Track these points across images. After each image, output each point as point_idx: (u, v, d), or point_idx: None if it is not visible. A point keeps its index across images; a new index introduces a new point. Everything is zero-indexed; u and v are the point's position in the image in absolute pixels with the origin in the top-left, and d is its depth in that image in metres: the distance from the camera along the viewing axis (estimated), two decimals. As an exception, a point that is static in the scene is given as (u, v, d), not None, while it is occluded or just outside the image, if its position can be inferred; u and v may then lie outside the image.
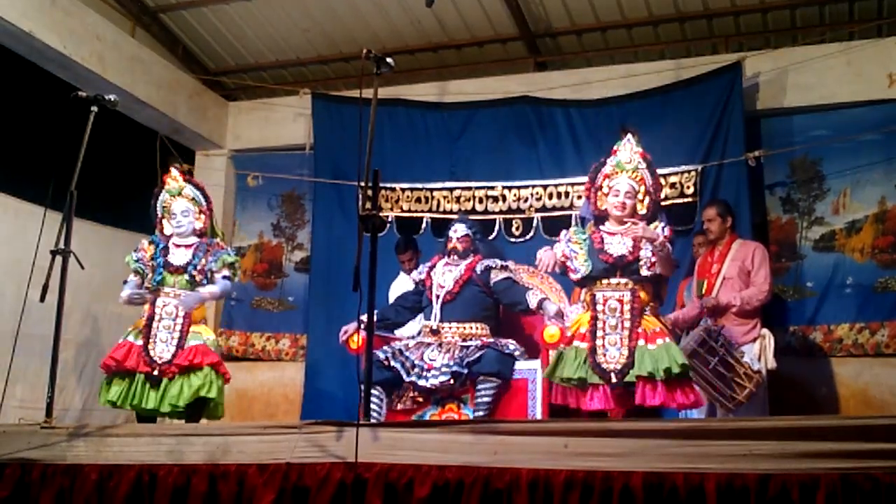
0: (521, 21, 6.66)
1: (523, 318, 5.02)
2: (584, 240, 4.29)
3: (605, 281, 4.17)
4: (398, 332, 5.18)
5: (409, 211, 6.75)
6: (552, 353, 4.62)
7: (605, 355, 4.04)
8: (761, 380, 4.90)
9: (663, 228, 4.20)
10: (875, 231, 5.89)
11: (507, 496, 2.78)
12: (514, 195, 6.53)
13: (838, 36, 6.21)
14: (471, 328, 4.77)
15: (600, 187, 4.31)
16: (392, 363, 4.58)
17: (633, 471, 2.69)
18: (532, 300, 4.64)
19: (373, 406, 4.46)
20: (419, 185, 6.73)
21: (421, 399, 4.64)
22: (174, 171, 5.02)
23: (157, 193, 4.98)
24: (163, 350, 4.60)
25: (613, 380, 3.99)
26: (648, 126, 5.75)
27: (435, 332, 4.79)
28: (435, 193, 6.72)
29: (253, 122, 7.57)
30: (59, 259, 3.73)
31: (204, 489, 3.10)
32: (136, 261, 4.83)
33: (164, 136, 7.12)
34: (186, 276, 4.76)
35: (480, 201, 6.61)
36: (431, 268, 5.02)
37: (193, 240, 4.88)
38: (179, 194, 4.91)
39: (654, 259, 4.11)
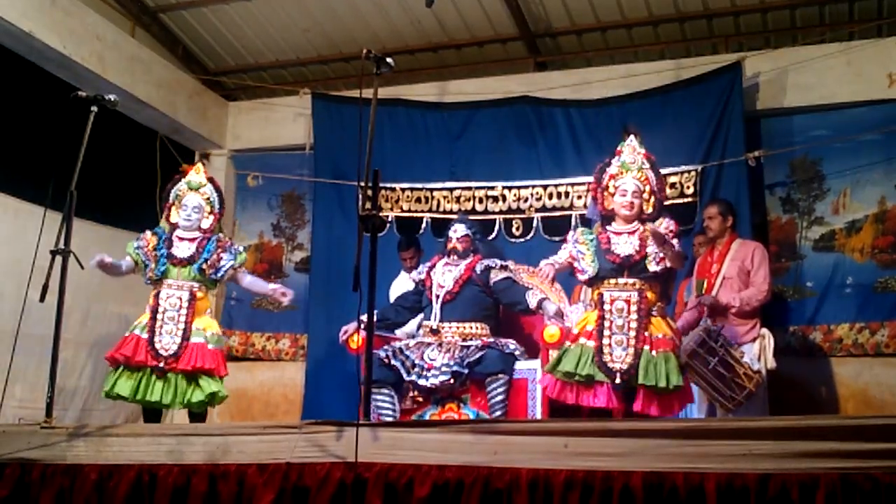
0: (521, 21, 6.66)
1: (523, 318, 5.03)
2: (591, 240, 4.33)
3: (612, 281, 4.23)
4: (398, 332, 5.18)
5: (409, 211, 6.76)
6: (552, 353, 4.64)
7: (611, 355, 4.09)
8: (761, 380, 4.89)
9: (668, 221, 4.26)
10: (875, 231, 5.89)
11: (507, 496, 2.77)
12: (514, 195, 6.54)
13: (838, 36, 6.21)
14: (471, 328, 4.77)
15: (606, 187, 4.36)
16: (392, 362, 4.58)
17: (633, 471, 2.69)
18: (532, 300, 4.64)
19: (385, 406, 4.48)
20: (419, 185, 6.73)
21: (421, 399, 4.65)
22: (200, 166, 5.14)
23: (176, 180, 5.04)
24: (168, 343, 4.65)
25: (618, 380, 4.03)
26: (648, 126, 5.74)
27: (435, 332, 4.79)
28: (435, 193, 6.72)
29: (253, 122, 7.57)
30: (59, 259, 3.73)
31: (204, 489, 3.10)
32: (136, 248, 4.87)
33: (164, 136, 7.12)
34: (194, 269, 4.81)
35: (480, 201, 6.61)
36: (431, 268, 5.02)
37: (197, 234, 4.92)
38: (197, 189, 4.97)
39: (662, 254, 4.16)
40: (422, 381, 4.50)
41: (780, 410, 5.10)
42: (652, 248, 4.19)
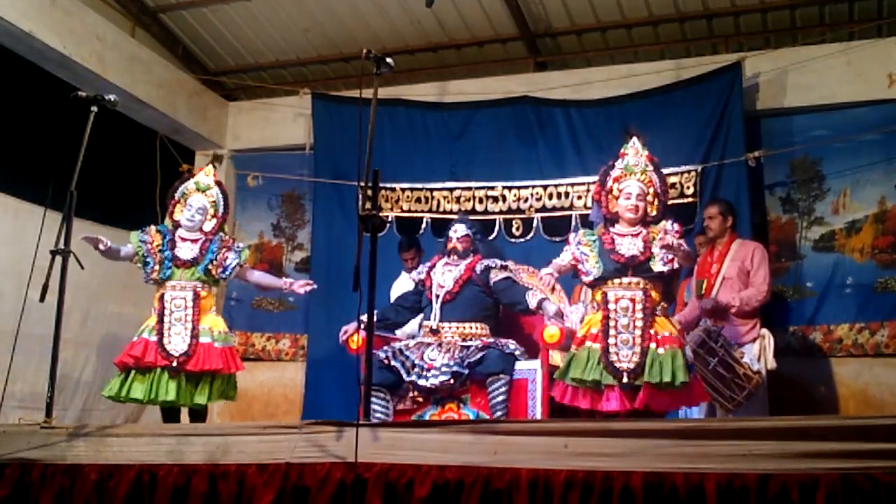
0: (521, 21, 6.66)
1: (523, 318, 5.02)
2: (594, 241, 4.34)
3: (616, 281, 4.22)
4: (398, 333, 5.18)
5: (409, 211, 6.76)
6: (553, 353, 4.64)
7: (617, 354, 4.08)
8: (761, 380, 4.90)
9: (672, 224, 4.28)
10: (875, 231, 5.89)
11: (507, 496, 2.77)
12: (514, 195, 6.54)
13: (838, 36, 6.21)
14: (470, 328, 4.77)
15: (610, 190, 4.37)
16: (392, 362, 4.58)
17: (633, 471, 2.69)
18: (532, 300, 4.63)
19: (378, 408, 4.47)
20: (419, 185, 6.73)
21: (421, 399, 4.64)
22: (210, 168, 5.18)
23: (185, 178, 5.06)
24: (178, 343, 4.68)
25: (625, 379, 4.03)
26: (648, 126, 5.72)
27: (435, 332, 4.78)
28: (435, 193, 6.72)
29: (253, 122, 7.57)
30: (58, 259, 3.73)
31: (204, 489, 3.10)
32: (141, 241, 4.86)
33: (164, 135, 7.12)
34: (199, 270, 4.83)
35: (480, 201, 6.61)
36: (431, 268, 5.02)
37: (199, 236, 4.93)
38: (205, 191, 4.99)
39: (671, 255, 4.17)
40: (422, 382, 4.49)
41: (780, 410, 5.10)
42: (658, 250, 4.19)
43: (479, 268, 4.89)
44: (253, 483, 3.05)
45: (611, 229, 4.35)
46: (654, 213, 4.33)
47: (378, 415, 4.45)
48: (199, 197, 4.96)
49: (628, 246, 4.25)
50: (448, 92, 6.97)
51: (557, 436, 2.87)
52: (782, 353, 5.45)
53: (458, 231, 5.03)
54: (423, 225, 6.67)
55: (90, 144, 3.98)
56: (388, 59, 3.66)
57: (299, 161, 7.30)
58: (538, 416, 4.38)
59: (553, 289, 4.75)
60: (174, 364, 4.63)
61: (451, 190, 6.69)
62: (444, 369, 4.48)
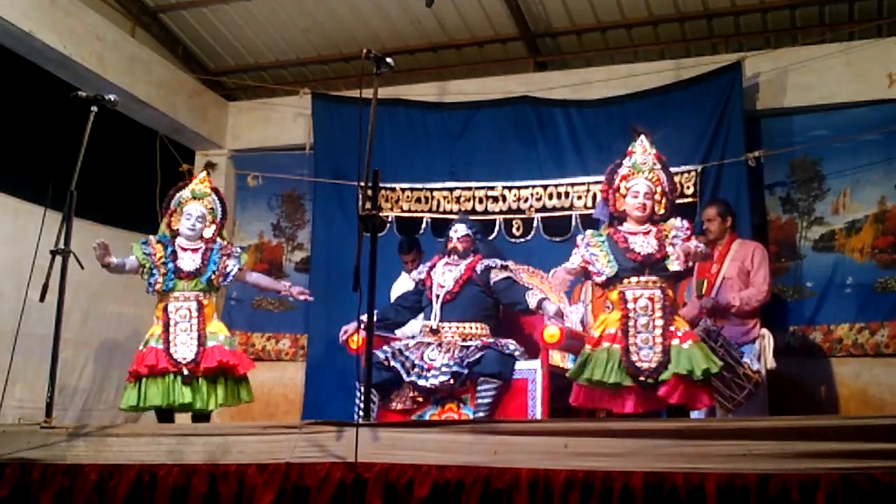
0: (521, 21, 6.66)
1: (523, 318, 5.02)
2: (602, 241, 4.27)
3: (632, 280, 4.15)
4: (398, 332, 5.18)
5: (409, 211, 6.75)
6: (553, 353, 4.64)
7: (638, 354, 4.00)
8: (761, 380, 4.90)
9: (682, 221, 4.25)
10: (875, 231, 5.89)
11: (506, 496, 2.78)
12: (514, 195, 6.53)
13: (838, 36, 6.21)
14: (471, 328, 4.77)
15: (618, 188, 4.32)
16: (392, 363, 4.58)
17: (633, 471, 2.69)
18: (532, 300, 4.63)
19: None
20: (419, 185, 6.72)
21: (421, 399, 4.64)
22: (204, 175, 5.17)
23: (179, 187, 5.05)
24: (185, 352, 4.71)
25: (648, 380, 3.96)
26: (648, 126, 5.71)
27: (435, 332, 4.78)
28: (435, 193, 6.72)
29: (253, 122, 7.57)
30: (58, 259, 3.73)
31: (204, 489, 3.10)
32: (145, 253, 4.87)
33: (164, 135, 7.12)
34: (202, 280, 4.86)
35: (480, 201, 6.61)
36: (431, 267, 5.02)
37: (199, 244, 4.94)
38: (201, 199, 4.99)
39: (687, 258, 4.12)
40: (421, 382, 4.49)
41: (780, 410, 5.10)
42: (673, 249, 4.14)
43: (479, 268, 4.89)
44: (253, 483, 3.05)
45: (619, 228, 4.30)
46: (662, 211, 4.29)
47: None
48: (196, 205, 4.95)
49: (642, 244, 4.19)
50: (448, 92, 6.97)
51: (557, 436, 2.87)
52: (782, 353, 5.45)
53: (459, 231, 5.03)
54: (423, 225, 6.67)
55: (90, 144, 3.98)
56: (388, 59, 3.66)
57: (299, 161, 7.30)
58: (538, 416, 4.38)
59: (566, 286, 4.64)
60: (185, 372, 4.66)
61: (451, 190, 6.69)
62: (443, 369, 4.48)
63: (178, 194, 5.00)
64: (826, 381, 5.84)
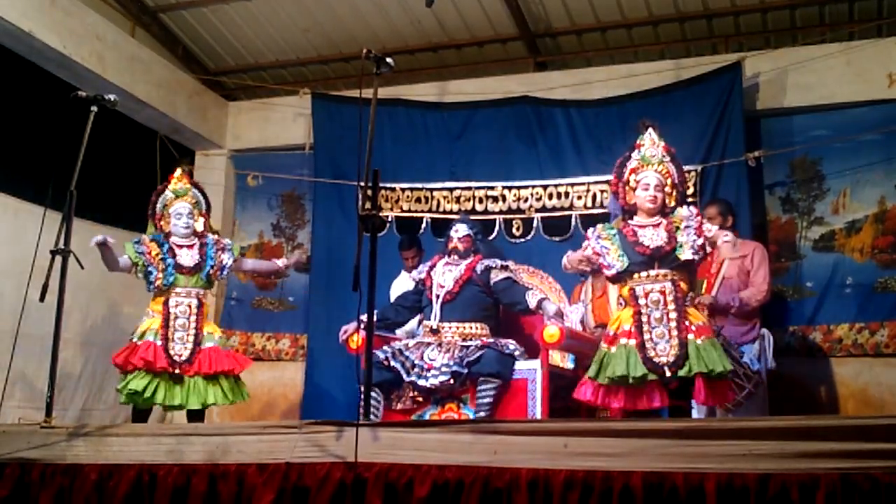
0: (521, 21, 6.66)
1: (523, 318, 5.02)
2: (614, 235, 4.22)
3: (642, 274, 4.10)
4: (398, 332, 5.18)
5: (409, 211, 6.75)
6: (553, 353, 4.63)
7: (654, 349, 3.95)
8: (761, 380, 4.90)
9: (689, 209, 4.21)
10: (875, 231, 5.90)
11: (506, 496, 2.77)
12: (514, 195, 6.53)
13: (838, 36, 6.21)
14: (471, 328, 4.77)
15: (627, 181, 4.26)
16: (392, 363, 4.58)
17: (632, 471, 2.69)
18: (531, 300, 4.63)
19: (371, 407, 4.46)
20: (419, 185, 6.73)
21: (421, 399, 4.64)
22: (179, 173, 5.18)
23: (160, 191, 5.11)
24: (181, 349, 4.78)
25: (668, 373, 3.90)
26: (649, 126, 5.76)
27: (435, 332, 4.78)
28: (435, 193, 6.72)
29: (253, 122, 7.57)
30: (58, 259, 3.73)
31: (204, 489, 3.10)
32: (138, 252, 4.91)
33: (163, 135, 7.12)
34: (202, 276, 4.95)
35: (480, 201, 6.61)
36: (431, 267, 5.02)
37: (193, 239, 5.01)
38: (184, 196, 5.05)
39: (697, 236, 4.08)
40: (421, 382, 4.49)
41: (780, 410, 5.10)
42: (685, 237, 4.09)
43: (479, 268, 4.89)
44: (253, 483, 3.05)
45: (630, 221, 4.25)
46: (673, 203, 4.23)
47: (370, 412, 4.45)
48: (181, 203, 5.03)
49: (651, 237, 4.13)
50: (448, 92, 6.97)
51: (557, 436, 2.87)
52: (782, 353, 5.46)
53: (460, 231, 5.03)
54: (423, 225, 6.67)
55: (90, 144, 3.98)
56: (388, 59, 3.66)
57: (299, 161, 7.30)
58: (538, 416, 4.38)
59: (585, 264, 4.43)
60: (177, 370, 4.73)
61: (451, 190, 6.69)
62: (443, 369, 4.48)
63: (160, 198, 5.07)
64: (826, 381, 5.84)
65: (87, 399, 6.31)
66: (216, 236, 5.17)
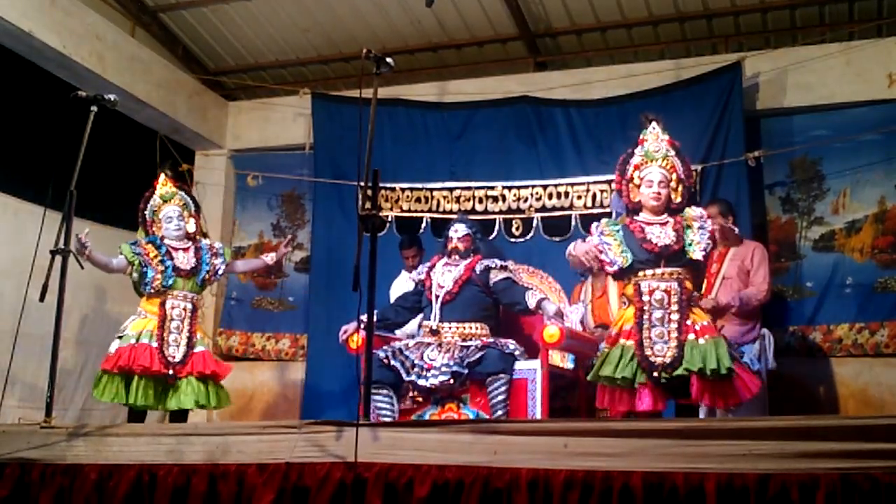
0: (520, 21, 6.66)
1: (523, 318, 5.02)
2: (617, 231, 4.11)
3: (648, 272, 4.00)
4: (398, 333, 5.18)
5: (409, 211, 6.76)
6: (552, 353, 4.63)
7: (652, 348, 3.87)
8: (761, 380, 4.89)
9: (699, 210, 4.12)
10: (875, 231, 5.90)
11: (506, 496, 2.77)
12: (514, 195, 6.53)
13: (838, 36, 6.21)
14: (470, 328, 4.77)
15: (631, 179, 4.14)
16: (392, 362, 4.58)
17: (632, 471, 2.69)
18: (531, 300, 4.63)
19: (384, 407, 4.48)
20: (419, 185, 6.73)
21: (420, 399, 4.64)
22: (163, 177, 5.21)
23: (147, 197, 5.15)
24: (174, 351, 4.85)
25: (662, 376, 3.82)
26: (648, 126, 5.76)
27: (434, 333, 4.78)
28: (435, 193, 6.72)
29: (253, 122, 7.57)
30: (58, 259, 3.74)
31: (204, 489, 3.10)
32: (135, 252, 4.93)
33: (163, 135, 7.12)
34: (197, 280, 5.02)
35: (480, 201, 6.61)
36: (431, 268, 5.02)
37: (188, 242, 5.07)
38: (171, 200, 5.10)
39: (710, 241, 3.99)
40: (421, 382, 4.49)
41: (780, 410, 5.10)
42: (696, 236, 4.01)
43: (478, 268, 4.89)
44: (253, 483, 3.05)
45: (637, 218, 4.12)
46: (679, 199, 4.10)
47: (384, 412, 4.46)
48: (170, 207, 5.07)
49: (659, 234, 4.01)
50: (448, 92, 6.97)
51: (557, 436, 2.87)
52: (782, 353, 5.46)
53: (459, 231, 5.03)
54: (423, 225, 6.67)
55: (90, 144, 3.98)
56: (388, 59, 3.66)
57: (299, 161, 7.30)
58: (538, 416, 4.38)
59: (593, 259, 4.27)
60: (171, 372, 4.81)
61: (451, 190, 6.69)
62: (443, 369, 4.48)
63: (148, 205, 5.11)
64: (826, 381, 5.84)
65: (86, 399, 6.31)
66: (209, 241, 5.27)
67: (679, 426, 2.91)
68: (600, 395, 4.02)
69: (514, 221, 6.50)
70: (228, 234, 7.49)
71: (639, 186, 4.13)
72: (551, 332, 4.44)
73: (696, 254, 3.99)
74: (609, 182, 6.00)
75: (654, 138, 4.16)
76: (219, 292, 7.17)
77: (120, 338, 4.86)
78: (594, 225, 4.26)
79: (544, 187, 6.48)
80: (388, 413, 4.48)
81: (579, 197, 6.37)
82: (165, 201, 5.08)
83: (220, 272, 5.15)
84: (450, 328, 4.77)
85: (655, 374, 3.85)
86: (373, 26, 6.86)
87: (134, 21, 6.84)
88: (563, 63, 7.17)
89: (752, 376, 4.07)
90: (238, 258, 7.21)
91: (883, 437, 2.56)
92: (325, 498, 2.92)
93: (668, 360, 3.84)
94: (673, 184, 4.11)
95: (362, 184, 3.51)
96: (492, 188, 6.59)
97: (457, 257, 4.96)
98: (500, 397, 4.42)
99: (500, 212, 6.54)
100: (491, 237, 6.21)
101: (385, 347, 4.68)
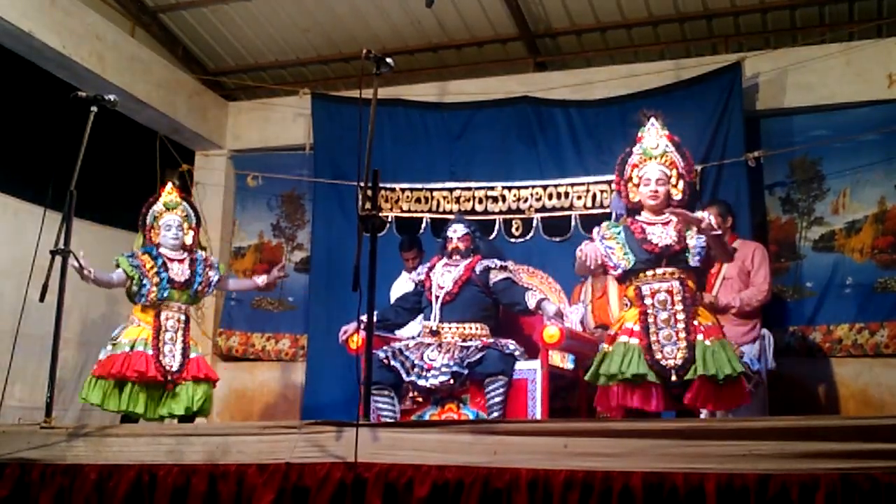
0: (520, 21, 6.66)
1: (523, 318, 5.01)
2: (619, 233, 4.00)
3: (649, 273, 3.89)
4: (398, 333, 5.18)
5: (409, 211, 6.75)
6: (553, 353, 4.63)
7: (661, 351, 3.75)
8: (761, 380, 4.90)
9: (704, 213, 3.92)
10: (875, 231, 5.90)
11: (506, 496, 2.77)
12: (514, 195, 6.53)
13: (838, 36, 6.21)
14: (470, 328, 4.77)
15: (630, 178, 4.04)
16: (392, 363, 4.58)
17: (632, 471, 2.69)
18: (531, 300, 4.62)
19: (385, 408, 4.48)
20: (419, 186, 6.72)
21: (420, 399, 4.64)
22: (170, 186, 5.27)
23: (151, 202, 5.17)
24: (171, 360, 4.89)
25: (674, 378, 3.70)
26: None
27: (434, 333, 4.78)
28: (435, 193, 6.72)
29: (253, 122, 7.57)
30: (58, 259, 3.74)
31: (204, 489, 3.10)
32: (133, 266, 4.95)
33: (163, 136, 7.12)
34: (191, 292, 5.07)
35: (480, 201, 6.60)
36: (430, 269, 5.01)
37: (183, 254, 5.11)
38: (175, 209, 5.14)
39: (706, 249, 3.87)
40: (421, 382, 4.49)
41: (780, 410, 5.11)
42: (695, 242, 3.87)
43: (478, 268, 4.88)
44: (253, 483, 3.05)
45: (637, 218, 4.01)
46: (680, 196, 3.97)
47: (385, 414, 4.46)
48: (171, 216, 5.10)
49: (660, 235, 3.90)
50: (448, 92, 6.97)
51: (557, 436, 2.87)
52: (782, 353, 5.46)
53: (458, 231, 5.02)
54: (423, 225, 6.66)
55: (90, 144, 3.98)
56: (388, 59, 3.65)
57: (299, 161, 7.30)
58: (538, 417, 4.37)
59: (598, 261, 4.11)
60: (169, 379, 4.86)
61: (450, 190, 6.69)
62: (443, 369, 4.48)
63: (150, 210, 5.12)
64: (826, 381, 5.84)
65: (86, 399, 6.32)
66: (205, 253, 5.30)
67: (679, 426, 2.91)
68: (600, 397, 3.87)
69: (514, 222, 6.50)
70: (228, 234, 7.49)
71: (637, 186, 4.02)
72: (551, 332, 4.43)
73: (693, 261, 3.90)
74: (609, 182, 5.99)
75: (653, 135, 4.07)
76: (218, 293, 7.16)
77: (113, 345, 4.87)
78: (595, 229, 4.17)
79: (544, 187, 6.48)
80: (390, 415, 4.48)
81: (579, 197, 6.37)
82: (168, 209, 5.11)
83: (213, 284, 5.19)
84: (450, 329, 4.77)
85: (669, 378, 3.72)
86: (373, 26, 6.86)
87: (134, 21, 6.84)
88: (563, 63, 7.17)
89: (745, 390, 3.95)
90: (238, 259, 7.25)
91: (883, 438, 2.56)
92: (325, 498, 2.92)
93: (679, 362, 3.72)
94: (673, 180, 4.00)
95: (362, 184, 3.51)
96: (492, 188, 6.58)
97: (457, 257, 4.95)
98: (497, 399, 4.42)
99: (500, 212, 6.54)
100: (491, 237, 6.21)
101: (385, 348, 4.68)
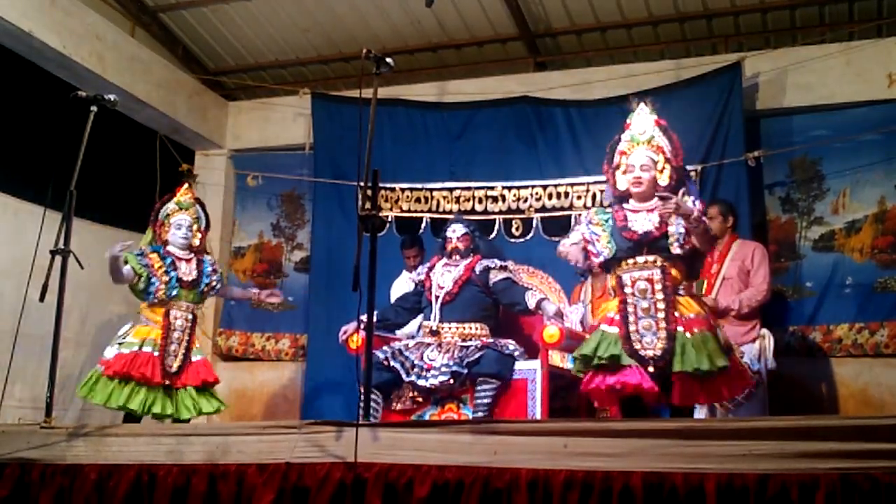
0: (520, 21, 6.66)
1: (523, 318, 5.02)
2: (606, 220, 3.94)
3: (630, 261, 3.81)
4: (398, 333, 5.18)
5: (409, 211, 6.75)
6: (552, 353, 4.63)
7: (640, 341, 3.70)
8: (761, 380, 4.90)
9: (694, 202, 3.85)
10: (874, 231, 5.90)
11: (506, 496, 2.77)
12: (514, 195, 6.53)
13: (838, 36, 6.21)
14: (470, 328, 4.77)
15: (618, 166, 3.97)
16: (392, 363, 4.58)
17: (632, 471, 2.69)
18: (531, 300, 4.63)
19: (371, 407, 4.47)
20: (419, 185, 6.73)
21: (420, 399, 4.64)
22: (186, 187, 5.33)
23: (165, 200, 5.21)
24: (172, 362, 4.93)
25: (651, 368, 3.64)
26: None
27: (434, 333, 4.78)
28: (434, 193, 6.72)
29: (253, 122, 7.57)
30: (58, 259, 3.74)
31: (203, 489, 3.10)
32: (142, 264, 4.96)
33: (163, 135, 7.12)
34: (198, 292, 5.12)
35: (480, 201, 6.61)
36: (430, 269, 5.02)
37: (191, 254, 5.14)
38: (187, 209, 5.18)
39: (687, 236, 3.76)
40: (421, 382, 4.50)
41: (780, 410, 5.10)
42: (675, 229, 3.77)
43: (478, 268, 4.89)
44: (253, 483, 3.05)
45: (624, 206, 3.94)
46: (667, 181, 3.85)
47: (371, 412, 4.46)
48: (183, 216, 5.14)
49: (642, 222, 3.82)
50: (448, 92, 6.97)
51: (557, 436, 2.87)
52: (782, 353, 5.45)
53: (457, 231, 5.03)
54: (423, 225, 6.67)
55: (90, 144, 3.98)
56: (388, 59, 3.66)
57: (299, 161, 7.30)
58: (538, 417, 4.37)
59: (581, 261, 4.24)
60: (167, 382, 4.88)
61: (450, 190, 6.69)
62: (443, 369, 4.49)
63: (164, 207, 5.17)
64: (826, 381, 5.84)
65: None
66: (212, 258, 5.36)
67: (679, 426, 2.91)
68: (586, 383, 3.80)
69: (513, 221, 6.50)
70: (228, 234, 7.49)
71: (625, 173, 3.95)
72: (551, 332, 4.44)
73: (675, 248, 3.80)
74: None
75: (641, 120, 4.00)
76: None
77: (120, 344, 4.88)
78: (583, 214, 4.13)
79: (544, 187, 6.48)
80: (374, 414, 4.48)
81: (579, 197, 6.37)
82: (181, 209, 5.15)
83: (217, 288, 5.26)
84: (450, 328, 4.77)
85: (650, 369, 3.67)
86: (373, 26, 6.86)
87: (134, 21, 6.84)
88: (563, 63, 7.17)
89: (745, 369, 3.94)
90: (238, 259, 7.25)
91: (883, 437, 2.56)
92: (325, 498, 2.92)
93: (658, 353, 3.66)
94: (660, 165, 3.89)
95: (362, 184, 3.51)
96: (491, 188, 6.59)
97: (457, 257, 4.95)
98: (486, 401, 4.42)
99: (500, 212, 6.54)
100: (491, 237, 6.21)
101: (385, 348, 4.68)
